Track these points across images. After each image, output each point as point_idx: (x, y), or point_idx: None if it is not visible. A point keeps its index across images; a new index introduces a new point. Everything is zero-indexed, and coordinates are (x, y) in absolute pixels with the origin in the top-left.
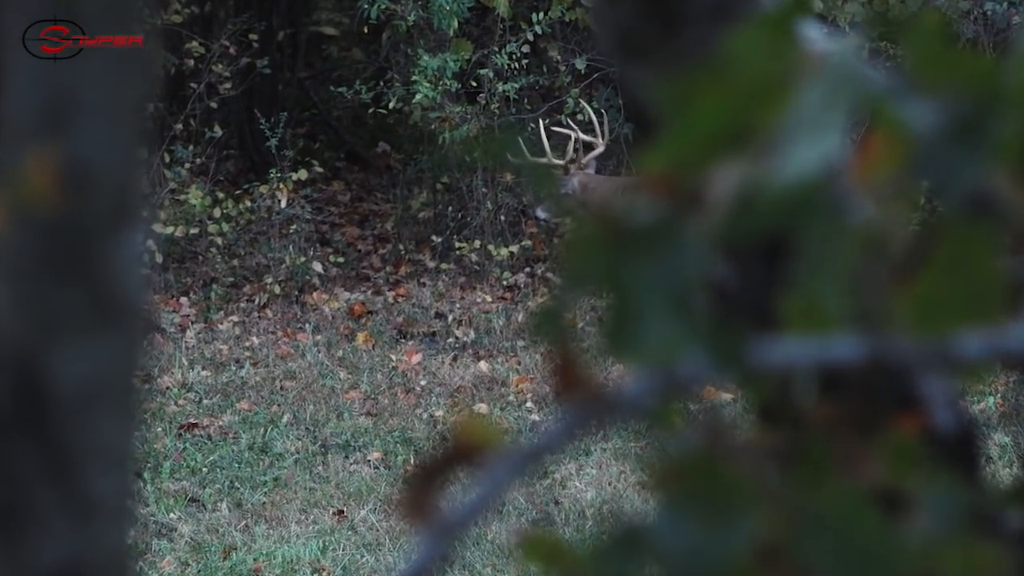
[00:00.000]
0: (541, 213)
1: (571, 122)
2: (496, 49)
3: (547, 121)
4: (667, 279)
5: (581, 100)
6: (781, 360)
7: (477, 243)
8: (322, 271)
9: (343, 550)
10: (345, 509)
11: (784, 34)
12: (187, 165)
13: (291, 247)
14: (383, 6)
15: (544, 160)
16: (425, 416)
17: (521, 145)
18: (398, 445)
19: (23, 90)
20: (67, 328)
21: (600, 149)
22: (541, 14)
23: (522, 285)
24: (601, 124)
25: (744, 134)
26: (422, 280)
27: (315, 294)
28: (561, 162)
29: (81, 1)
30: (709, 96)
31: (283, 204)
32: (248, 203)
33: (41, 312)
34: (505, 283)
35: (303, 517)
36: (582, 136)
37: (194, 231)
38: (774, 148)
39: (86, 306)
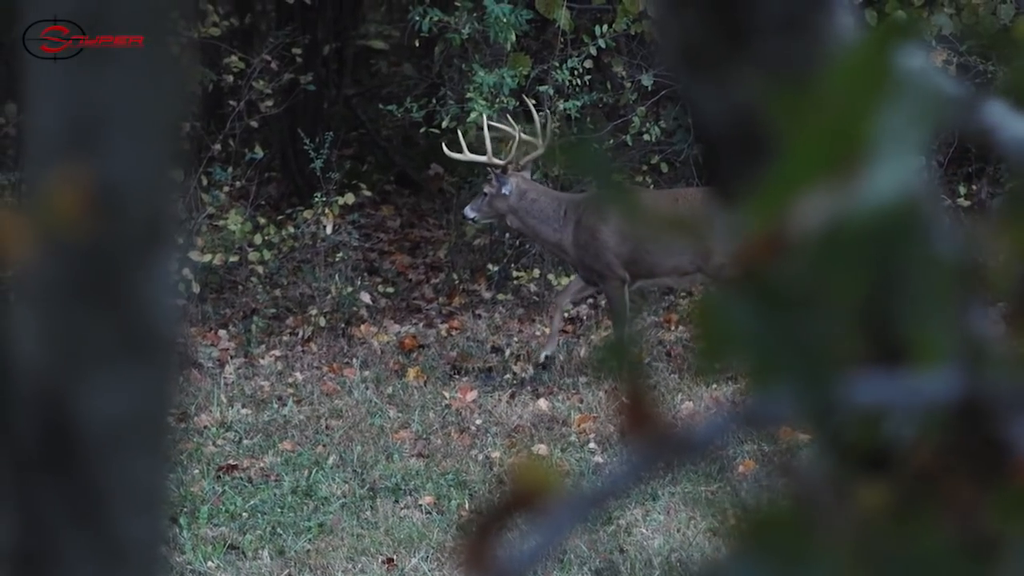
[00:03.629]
0: (470, 212)
1: (511, 119)
2: (557, 64)
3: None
4: (806, 337)
5: (529, 103)
6: (869, 399)
7: (536, 272)
8: (370, 302)
9: None
10: (395, 557)
11: (882, 61)
12: (226, 188)
13: (337, 276)
14: (435, 18)
15: (484, 158)
16: (480, 458)
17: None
18: (452, 489)
19: (48, 105)
20: (96, 361)
21: (539, 151)
22: (605, 27)
23: (584, 317)
24: (544, 127)
25: (834, 167)
26: (477, 312)
27: (363, 327)
28: (501, 162)
29: (106, 10)
30: (808, 133)
31: (329, 230)
32: (291, 229)
33: (69, 343)
34: (566, 315)
35: (350, 566)
36: (523, 136)
37: (233, 259)
38: (858, 175)
39: (116, 337)
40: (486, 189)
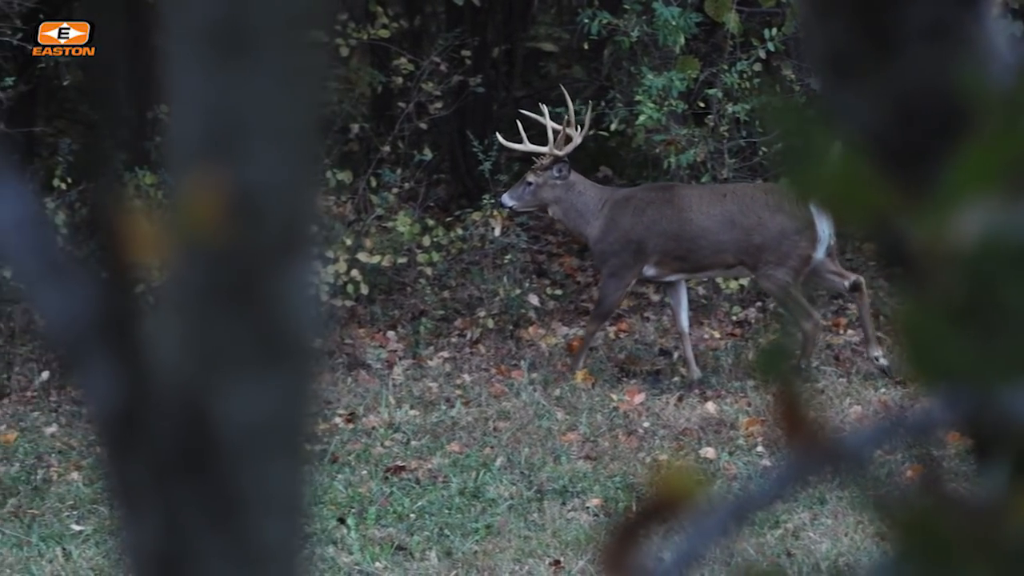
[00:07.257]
0: (508, 200)
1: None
2: (726, 67)
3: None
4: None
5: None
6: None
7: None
8: (539, 304)
9: None
10: (562, 559)
11: None
12: (395, 190)
13: (505, 278)
14: (604, 21)
15: (546, 148)
16: (648, 460)
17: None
18: (619, 491)
19: (188, 110)
20: (235, 366)
21: (577, 141)
22: (774, 30)
23: (753, 320)
24: (580, 118)
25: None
26: (645, 314)
27: (531, 329)
28: (546, 150)
29: (253, 15)
30: (991, 141)
31: (497, 232)
32: (460, 231)
33: (208, 349)
34: (734, 318)
35: (517, 568)
36: (562, 128)
37: (402, 261)
38: None
39: (254, 343)
40: (530, 178)
